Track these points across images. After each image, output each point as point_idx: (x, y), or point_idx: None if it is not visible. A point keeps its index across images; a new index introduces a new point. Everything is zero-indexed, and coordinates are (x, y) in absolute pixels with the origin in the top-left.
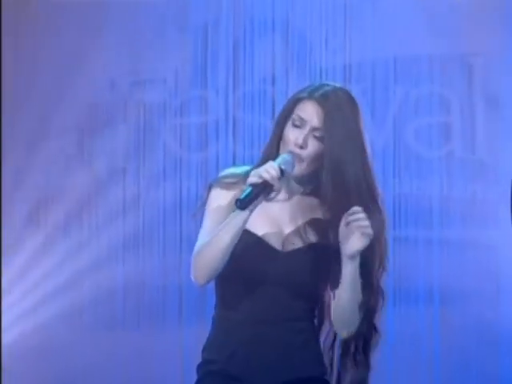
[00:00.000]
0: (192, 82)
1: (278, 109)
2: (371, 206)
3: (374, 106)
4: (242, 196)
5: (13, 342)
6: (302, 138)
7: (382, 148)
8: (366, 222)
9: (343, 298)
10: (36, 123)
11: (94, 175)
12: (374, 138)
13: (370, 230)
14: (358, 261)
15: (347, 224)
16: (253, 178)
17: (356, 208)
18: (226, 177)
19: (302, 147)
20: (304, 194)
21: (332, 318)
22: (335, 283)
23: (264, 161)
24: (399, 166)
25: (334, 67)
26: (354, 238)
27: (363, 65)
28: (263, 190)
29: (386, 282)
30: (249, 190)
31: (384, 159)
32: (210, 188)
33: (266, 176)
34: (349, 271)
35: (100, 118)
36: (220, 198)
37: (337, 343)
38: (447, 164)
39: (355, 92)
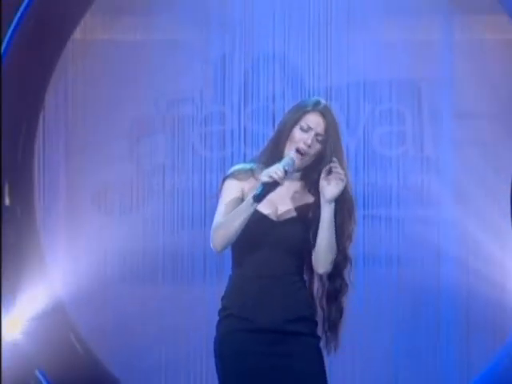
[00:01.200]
0: (213, 100)
1: (278, 120)
2: (347, 212)
3: (349, 118)
4: (257, 192)
5: (78, 296)
6: (310, 140)
7: (354, 149)
8: (342, 171)
9: (321, 238)
10: (97, 131)
11: (141, 171)
12: (348, 141)
13: (344, 177)
14: (333, 205)
15: (327, 175)
16: (264, 178)
17: (334, 162)
18: (236, 171)
19: (309, 146)
20: (293, 180)
21: (313, 260)
22: (315, 240)
23: (269, 153)
24: (367, 163)
25: (319, 89)
26: (332, 185)
27: (340, 87)
28: (273, 187)
29: (358, 248)
30: (262, 187)
31: (356, 157)
32: (224, 180)
33: (275, 176)
34: (327, 213)
35: (145, 127)
36: (231, 188)
37: (325, 294)
38: (402, 161)
39: (334, 108)
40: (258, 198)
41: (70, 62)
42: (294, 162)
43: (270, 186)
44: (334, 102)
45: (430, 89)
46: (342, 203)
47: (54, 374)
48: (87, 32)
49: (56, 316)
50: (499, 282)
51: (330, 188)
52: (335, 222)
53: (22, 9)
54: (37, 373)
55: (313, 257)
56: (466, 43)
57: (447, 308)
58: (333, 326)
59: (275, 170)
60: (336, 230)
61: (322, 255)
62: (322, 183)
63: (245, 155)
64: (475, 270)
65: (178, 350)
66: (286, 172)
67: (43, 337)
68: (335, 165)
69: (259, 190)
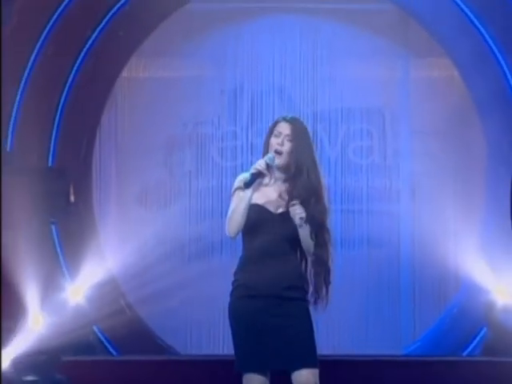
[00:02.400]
0: (227, 122)
1: None
2: (314, 198)
3: (330, 136)
4: (247, 181)
5: (125, 270)
6: (280, 140)
7: (334, 159)
8: (300, 210)
9: (301, 235)
10: (140, 145)
11: (172, 176)
12: (330, 153)
13: (303, 215)
14: (303, 226)
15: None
16: (252, 170)
17: (294, 202)
18: (242, 176)
19: (282, 145)
20: (282, 181)
21: (304, 246)
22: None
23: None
24: (344, 169)
25: (307, 113)
26: (295, 218)
27: (323, 112)
28: (258, 176)
29: (336, 235)
30: (250, 177)
31: (336, 165)
32: (234, 184)
33: (259, 167)
34: (300, 231)
35: (176, 143)
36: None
37: (313, 271)
38: (370, 168)
39: (319, 128)
40: (247, 185)
41: (120, 92)
42: (273, 157)
43: (256, 176)
44: (319, 123)
45: (392, 113)
46: (318, 214)
47: (107, 329)
48: (132, 71)
49: (109, 286)
50: (443, 260)
51: (294, 220)
52: (314, 222)
53: (84, 49)
54: (94, 328)
55: (304, 244)
56: (419, 79)
57: (405, 279)
58: (319, 294)
59: (259, 163)
60: (316, 228)
61: (305, 247)
62: (290, 211)
63: (251, 164)
64: (426, 251)
65: (201, 312)
66: (267, 164)
67: (99, 301)
68: (293, 206)
69: (248, 178)
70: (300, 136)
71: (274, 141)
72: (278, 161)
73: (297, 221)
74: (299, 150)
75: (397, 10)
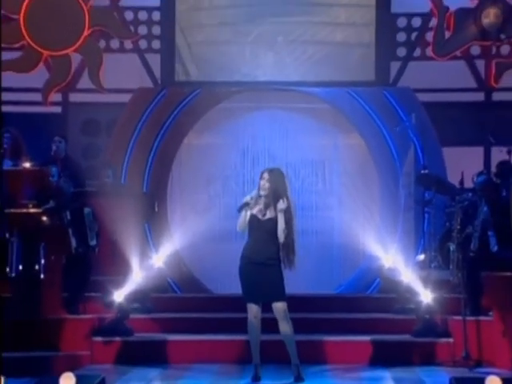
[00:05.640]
0: (240, 168)
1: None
2: (287, 212)
3: (296, 175)
4: (238, 207)
5: (187, 247)
6: (265, 181)
7: (298, 188)
8: (281, 206)
9: (279, 225)
10: (192, 180)
11: (212, 194)
12: (295, 184)
13: (282, 206)
14: (282, 213)
15: (278, 203)
16: (242, 201)
17: (280, 201)
18: (246, 199)
19: (264, 185)
20: (266, 202)
21: (278, 235)
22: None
23: (257, 191)
24: (303, 193)
25: (283, 163)
26: (279, 208)
27: (292, 162)
28: (246, 205)
29: (299, 227)
30: (241, 204)
31: (298, 191)
32: (243, 200)
33: (246, 200)
34: (280, 216)
35: (212, 179)
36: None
37: (285, 249)
38: (317, 191)
39: (290, 171)
40: (239, 210)
41: (183, 152)
42: (257, 193)
43: (244, 204)
44: (290, 168)
45: (328, 163)
46: (288, 213)
47: (174, 279)
48: (190, 139)
49: (176, 256)
50: (356, 241)
51: (278, 207)
52: (284, 220)
53: (164, 127)
54: (168, 279)
55: (278, 234)
56: (343, 144)
57: (335, 251)
58: (287, 261)
59: (246, 197)
60: (287, 222)
61: (280, 233)
62: (278, 205)
63: (251, 192)
64: (347, 236)
65: (226, 269)
66: (251, 198)
67: (170, 265)
68: (279, 202)
69: (239, 205)
70: (275, 179)
71: (261, 182)
72: (263, 193)
73: (279, 210)
74: (274, 186)
75: (331, 107)
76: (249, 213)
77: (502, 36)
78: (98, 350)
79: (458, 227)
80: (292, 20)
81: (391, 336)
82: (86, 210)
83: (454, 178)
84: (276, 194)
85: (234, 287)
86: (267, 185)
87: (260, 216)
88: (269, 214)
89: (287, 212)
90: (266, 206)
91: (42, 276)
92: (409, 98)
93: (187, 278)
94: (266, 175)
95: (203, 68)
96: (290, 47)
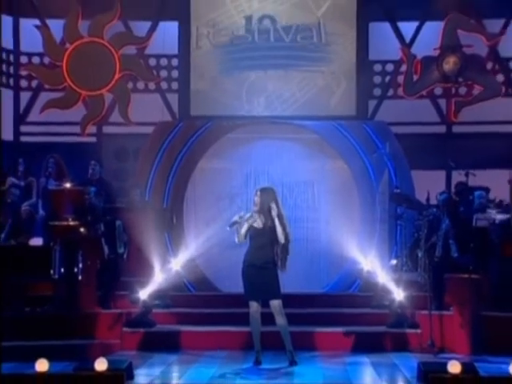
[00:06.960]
0: (244, 187)
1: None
2: (279, 217)
3: (290, 193)
4: (229, 224)
5: (201, 253)
6: (257, 198)
7: (291, 204)
8: (274, 212)
9: (277, 230)
10: (205, 197)
11: (220, 210)
12: (289, 201)
13: (276, 214)
14: (277, 219)
15: (270, 214)
16: (232, 219)
17: (271, 211)
18: (245, 215)
19: (257, 200)
20: (260, 215)
21: (278, 238)
22: (275, 233)
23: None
24: (296, 208)
25: (279, 183)
26: (273, 214)
27: (287, 183)
28: (235, 223)
29: (294, 236)
30: (232, 222)
31: (292, 207)
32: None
33: (235, 219)
34: (276, 222)
35: (221, 197)
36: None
37: (279, 252)
38: (307, 208)
39: (285, 190)
40: (230, 226)
41: (196, 174)
42: (244, 214)
43: (233, 222)
44: (285, 188)
45: (317, 183)
46: (280, 218)
47: (189, 280)
48: (203, 163)
49: (191, 261)
50: (340, 248)
51: (272, 213)
52: (279, 224)
53: (180, 155)
54: (184, 279)
55: (277, 237)
56: (329, 168)
57: (323, 257)
58: (282, 263)
59: (236, 217)
60: (283, 230)
61: (280, 235)
62: (271, 213)
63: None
64: (332, 244)
65: (232, 271)
66: (240, 217)
67: (186, 268)
68: (272, 209)
69: (230, 223)
70: (265, 195)
71: (254, 198)
72: (255, 208)
73: (273, 216)
74: (264, 201)
75: (319, 137)
76: (246, 225)
77: (460, 79)
78: (126, 339)
79: (425, 237)
80: (278, 72)
81: (369, 327)
82: (117, 222)
83: (421, 196)
84: (267, 206)
85: (239, 286)
86: (259, 200)
87: (257, 226)
88: (264, 224)
89: (280, 217)
90: (261, 218)
91: (79, 278)
92: (384, 129)
93: (200, 279)
94: (258, 193)
95: (212, 106)
96: (278, 93)
